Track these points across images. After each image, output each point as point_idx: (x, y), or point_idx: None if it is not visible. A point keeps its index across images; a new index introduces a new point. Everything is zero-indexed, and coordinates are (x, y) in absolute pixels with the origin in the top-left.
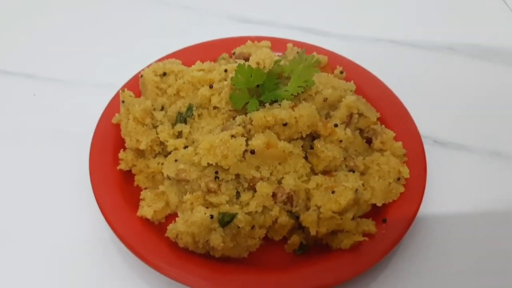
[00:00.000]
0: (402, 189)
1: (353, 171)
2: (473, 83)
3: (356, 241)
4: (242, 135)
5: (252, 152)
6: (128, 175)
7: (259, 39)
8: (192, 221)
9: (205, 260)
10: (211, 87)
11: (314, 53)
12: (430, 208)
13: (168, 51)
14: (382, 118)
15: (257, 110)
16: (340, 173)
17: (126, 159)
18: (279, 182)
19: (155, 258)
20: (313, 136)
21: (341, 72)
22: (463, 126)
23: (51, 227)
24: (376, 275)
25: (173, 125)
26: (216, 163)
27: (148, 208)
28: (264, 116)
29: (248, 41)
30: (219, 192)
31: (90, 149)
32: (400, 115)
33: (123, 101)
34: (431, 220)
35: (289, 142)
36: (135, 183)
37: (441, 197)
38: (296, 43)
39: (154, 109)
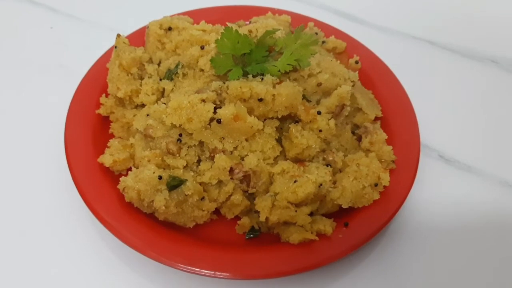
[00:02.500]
0: (377, 196)
1: (330, 166)
2: (505, 102)
3: (306, 238)
4: (214, 102)
5: (218, 121)
6: (107, 122)
7: (280, 12)
8: (140, 177)
9: (151, 222)
10: (202, 48)
11: (332, 36)
12: (409, 225)
13: (190, 9)
14: (385, 118)
15: (238, 79)
16: (313, 164)
17: (106, 104)
18: (242, 159)
19: (98, 205)
20: (296, 120)
21: (356, 62)
22: (478, 147)
23: (23, 156)
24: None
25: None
26: (180, 125)
27: (109, 157)
28: (240, 87)
29: (269, 12)
30: (178, 155)
31: (77, 88)
32: (407, 120)
33: (115, 47)
34: (407, 237)
35: (264, 120)
36: (110, 131)
37: (427, 215)
38: (318, 23)
39: (151, 62)
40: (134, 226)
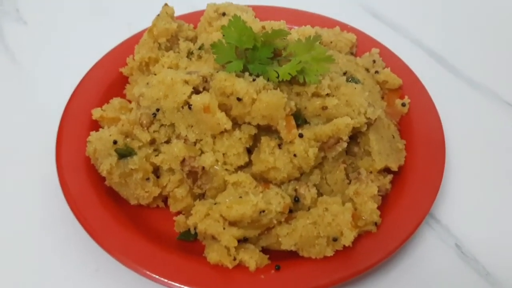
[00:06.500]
0: (329, 253)
1: (298, 200)
2: None
3: (221, 262)
4: (196, 87)
5: (189, 107)
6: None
7: (350, 29)
8: (100, 136)
9: (102, 185)
10: (224, 35)
11: (388, 69)
12: None
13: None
14: (403, 176)
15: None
16: (275, 189)
17: (129, 65)
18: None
19: (65, 149)
20: (279, 137)
21: (403, 105)
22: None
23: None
24: None
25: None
26: (157, 99)
27: (100, 111)
28: (224, 79)
29: (337, 26)
30: (146, 129)
31: (116, 46)
32: (426, 189)
33: (158, 14)
34: None
35: (241, 124)
36: (124, 91)
37: None
38: (385, 51)
39: (195, 40)
40: (83, 180)
